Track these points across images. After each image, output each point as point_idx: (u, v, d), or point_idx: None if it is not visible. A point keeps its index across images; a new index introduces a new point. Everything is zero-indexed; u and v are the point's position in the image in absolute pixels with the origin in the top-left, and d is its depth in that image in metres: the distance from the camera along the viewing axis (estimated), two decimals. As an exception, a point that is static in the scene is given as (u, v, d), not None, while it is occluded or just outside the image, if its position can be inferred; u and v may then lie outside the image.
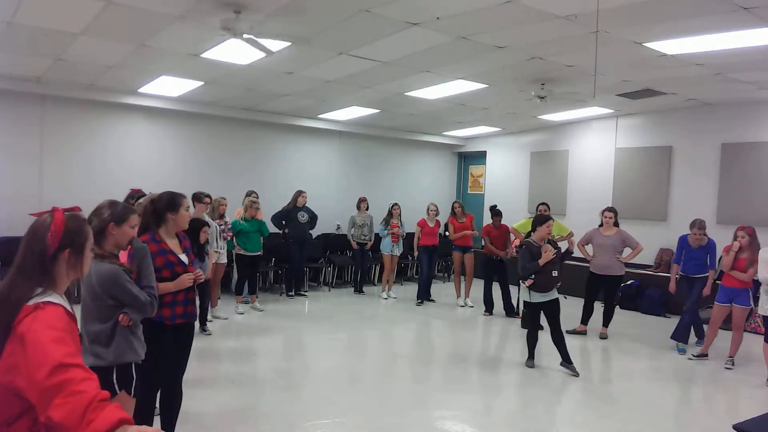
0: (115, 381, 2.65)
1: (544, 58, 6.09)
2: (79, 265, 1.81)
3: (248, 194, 8.28)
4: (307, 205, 8.98)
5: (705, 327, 7.79)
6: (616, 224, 7.09)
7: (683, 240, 6.62)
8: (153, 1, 4.63)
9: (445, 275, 11.61)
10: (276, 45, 5.43)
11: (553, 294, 5.60)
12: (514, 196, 11.22)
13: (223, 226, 7.13)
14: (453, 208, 8.90)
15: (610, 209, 7.18)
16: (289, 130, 10.38)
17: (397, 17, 4.94)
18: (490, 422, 4.51)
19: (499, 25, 5.09)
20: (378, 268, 10.49)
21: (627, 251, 7.05)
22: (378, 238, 9.49)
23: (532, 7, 4.59)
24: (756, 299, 5.74)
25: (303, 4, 4.67)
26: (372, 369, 5.82)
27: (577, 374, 5.52)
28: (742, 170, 8.22)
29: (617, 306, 7.61)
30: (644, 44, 5.50)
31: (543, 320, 5.60)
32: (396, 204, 9.37)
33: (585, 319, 7.20)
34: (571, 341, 6.92)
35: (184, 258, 3.35)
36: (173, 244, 3.34)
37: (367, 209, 9.67)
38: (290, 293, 9.02)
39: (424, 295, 9.03)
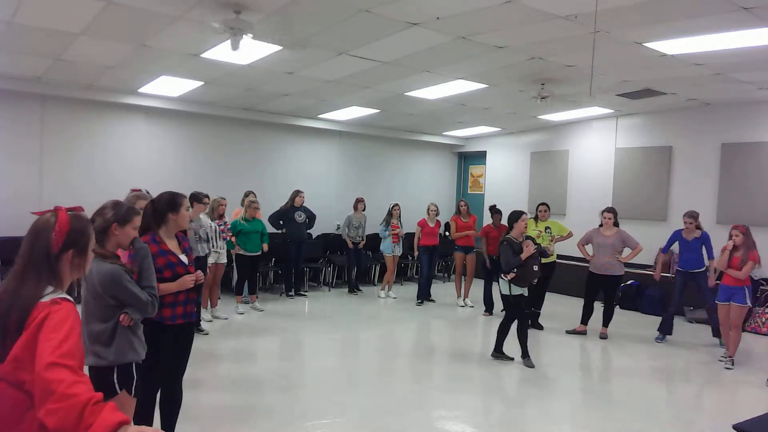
0: (115, 380, 2.65)
1: (544, 58, 6.10)
2: (81, 265, 1.81)
3: (247, 194, 8.28)
4: (305, 204, 8.98)
5: (690, 324, 7.98)
6: (615, 224, 7.10)
7: (677, 233, 6.99)
8: (153, 1, 4.63)
9: (445, 275, 11.62)
10: (274, 47, 5.43)
11: (526, 289, 5.82)
12: (514, 196, 11.20)
13: (222, 226, 7.13)
14: (458, 206, 8.86)
15: (610, 210, 7.19)
16: (289, 130, 10.38)
17: (397, 17, 4.94)
18: (490, 422, 4.52)
19: (499, 25, 5.10)
20: (378, 268, 10.51)
21: (627, 251, 7.07)
22: (370, 237, 9.46)
23: (532, 7, 4.59)
24: (754, 298, 5.76)
25: (303, 4, 4.67)
26: (372, 369, 5.83)
27: (532, 366, 5.69)
28: (742, 170, 8.22)
29: (617, 306, 7.62)
30: (644, 44, 5.51)
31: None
32: (396, 204, 9.37)
33: (585, 319, 7.21)
34: (571, 341, 6.99)
35: (183, 258, 3.36)
36: (173, 245, 3.34)
37: (363, 210, 9.67)
38: (290, 293, 9.02)
39: (424, 295, 9.03)
